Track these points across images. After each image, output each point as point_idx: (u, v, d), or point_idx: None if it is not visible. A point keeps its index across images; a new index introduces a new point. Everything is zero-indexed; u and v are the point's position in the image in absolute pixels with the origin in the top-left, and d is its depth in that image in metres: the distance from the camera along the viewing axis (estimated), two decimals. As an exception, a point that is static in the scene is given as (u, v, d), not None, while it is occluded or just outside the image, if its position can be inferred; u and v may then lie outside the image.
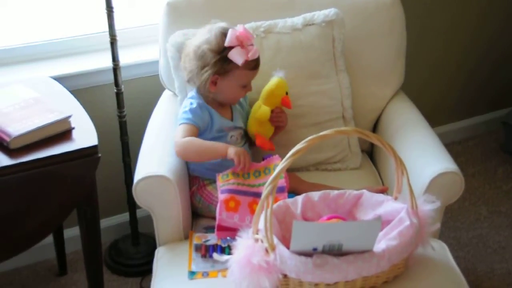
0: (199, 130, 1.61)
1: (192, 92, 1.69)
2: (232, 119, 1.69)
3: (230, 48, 1.55)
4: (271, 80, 1.70)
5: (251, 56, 1.56)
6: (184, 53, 1.65)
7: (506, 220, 2.35)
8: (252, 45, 1.58)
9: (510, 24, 2.72)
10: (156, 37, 1.89)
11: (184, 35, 1.73)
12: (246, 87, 1.64)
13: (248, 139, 1.74)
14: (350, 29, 1.85)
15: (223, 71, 1.58)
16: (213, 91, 1.62)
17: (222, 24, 1.60)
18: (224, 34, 1.56)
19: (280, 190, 1.51)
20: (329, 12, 1.81)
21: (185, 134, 1.58)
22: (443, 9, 2.51)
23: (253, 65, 1.60)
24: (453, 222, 2.33)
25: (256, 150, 1.75)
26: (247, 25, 1.77)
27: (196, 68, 1.60)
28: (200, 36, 1.60)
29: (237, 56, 1.55)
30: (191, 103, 1.63)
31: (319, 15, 1.81)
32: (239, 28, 1.58)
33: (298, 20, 1.81)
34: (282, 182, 1.53)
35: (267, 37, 1.78)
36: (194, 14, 1.82)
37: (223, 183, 1.53)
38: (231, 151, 1.53)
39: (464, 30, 2.62)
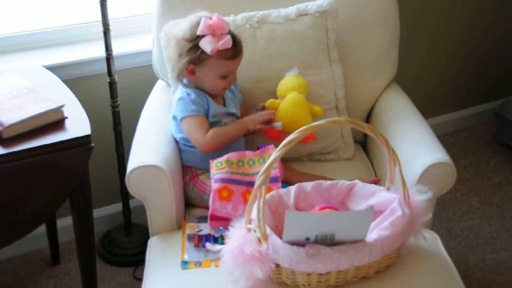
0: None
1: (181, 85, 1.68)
2: (224, 105, 1.69)
3: (203, 36, 1.54)
4: (295, 77, 1.71)
5: (221, 45, 1.54)
6: (168, 43, 1.65)
7: (497, 211, 2.37)
8: (226, 34, 1.55)
9: (503, 16, 2.73)
10: (150, 26, 1.89)
11: (167, 34, 1.72)
12: (227, 77, 1.61)
13: None
14: (343, 19, 1.85)
15: (198, 60, 1.57)
16: (193, 81, 1.62)
17: (202, 13, 1.59)
18: (199, 22, 1.55)
19: (274, 180, 1.51)
20: (322, 2, 1.81)
21: (203, 129, 1.59)
22: (436, 0, 2.51)
23: (229, 54, 1.57)
24: (445, 213, 2.34)
25: (251, 139, 1.75)
26: (240, 15, 1.78)
27: (174, 57, 1.60)
28: (181, 26, 1.60)
29: (206, 45, 1.54)
30: (188, 94, 1.62)
31: (313, 5, 1.81)
32: (214, 17, 1.56)
33: (291, 10, 1.80)
34: (276, 172, 1.53)
35: (260, 27, 1.78)
36: (188, 3, 1.80)
37: (217, 171, 1.53)
38: (250, 125, 1.61)
39: (457, 22, 2.62)
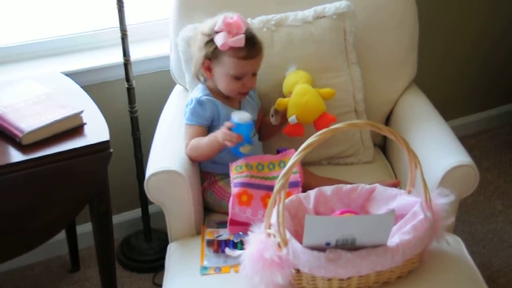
0: (206, 126, 1.63)
1: (200, 85, 1.68)
2: (240, 109, 1.68)
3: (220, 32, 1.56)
4: (294, 73, 1.72)
5: (231, 42, 1.53)
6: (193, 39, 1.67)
7: (522, 214, 2.33)
8: (241, 34, 1.55)
9: None
10: (167, 32, 1.89)
11: (194, 29, 1.72)
12: (241, 80, 1.60)
13: (257, 131, 1.73)
14: (361, 21, 1.83)
15: (213, 55, 1.58)
16: (210, 79, 1.63)
17: (228, 13, 1.59)
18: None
19: (295, 185, 1.50)
20: (340, 4, 1.79)
21: (190, 137, 1.62)
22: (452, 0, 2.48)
23: (242, 54, 1.56)
24: (468, 217, 2.31)
25: (270, 142, 1.74)
26: (257, 18, 1.77)
27: (195, 52, 1.62)
28: (206, 22, 1.62)
29: (219, 40, 1.54)
30: (191, 101, 1.62)
31: (330, 7, 1.79)
32: (235, 16, 1.56)
33: (309, 12, 1.79)
34: (296, 177, 1.52)
35: (278, 30, 1.77)
36: (205, 8, 1.81)
37: (236, 175, 1.52)
38: (220, 137, 1.53)
39: (474, 22, 2.57)
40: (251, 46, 1.57)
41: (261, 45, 1.60)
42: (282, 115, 1.69)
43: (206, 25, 1.61)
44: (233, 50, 1.55)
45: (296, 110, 1.65)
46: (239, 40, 1.54)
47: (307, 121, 1.66)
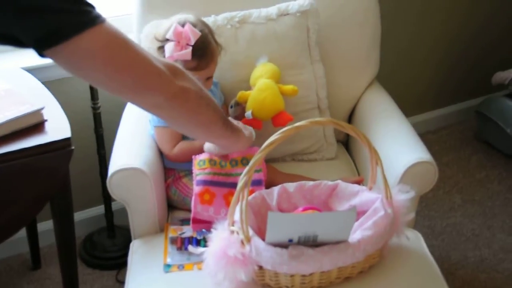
0: None
1: None
2: None
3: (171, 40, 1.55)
4: (263, 65, 1.72)
5: (177, 55, 1.52)
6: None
7: (479, 208, 2.39)
8: (189, 46, 1.54)
9: (477, 10, 2.71)
10: (130, 27, 1.87)
11: (157, 26, 1.71)
12: None
13: None
14: (324, 19, 1.84)
15: None
16: None
17: (186, 16, 1.58)
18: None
19: (257, 183, 1.51)
20: (303, 2, 1.80)
21: (170, 143, 1.61)
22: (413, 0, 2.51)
23: (190, 66, 1.53)
24: (428, 211, 2.35)
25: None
26: (221, 15, 1.77)
27: (149, 49, 1.61)
28: (163, 23, 1.61)
29: (167, 50, 1.54)
30: None
31: (294, 5, 1.80)
32: (186, 26, 1.55)
33: (272, 10, 1.80)
34: (259, 175, 1.52)
35: (241, 27, 1.77)
36: (168, 3, 1.80)
37: (199, 171, 1.52)
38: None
39: (434, 20, 2.61)
40: (200, 58, 1.56)
41: (213, 54, 1.59)
42: (243, 107, 1.70)
43: (160, 29, 1.60)
44: (183, 61, 1.53)
45: (253, 106, 1.66)
46: (186, 54, 1.53)
47: (263, 117, 1.68)
